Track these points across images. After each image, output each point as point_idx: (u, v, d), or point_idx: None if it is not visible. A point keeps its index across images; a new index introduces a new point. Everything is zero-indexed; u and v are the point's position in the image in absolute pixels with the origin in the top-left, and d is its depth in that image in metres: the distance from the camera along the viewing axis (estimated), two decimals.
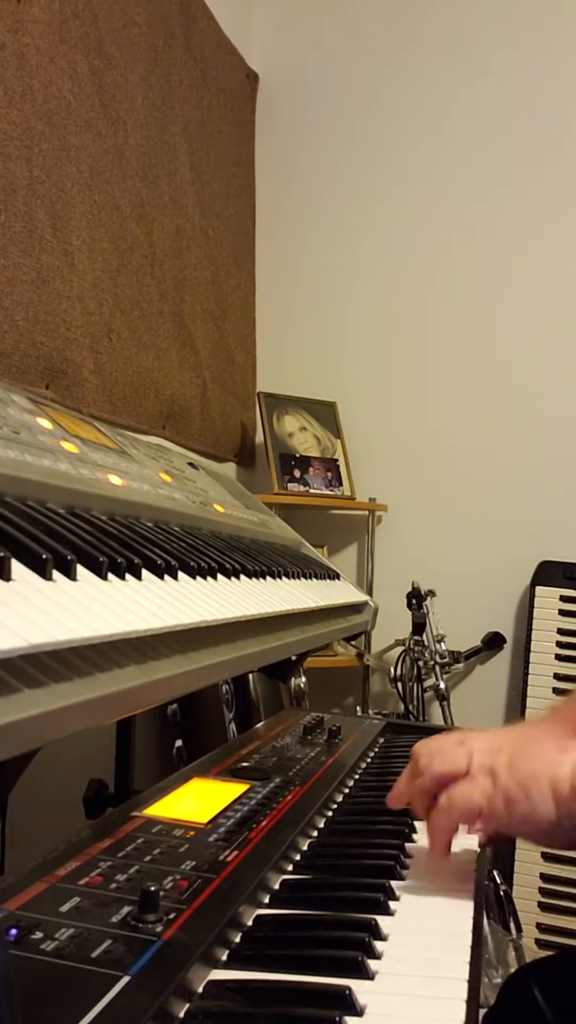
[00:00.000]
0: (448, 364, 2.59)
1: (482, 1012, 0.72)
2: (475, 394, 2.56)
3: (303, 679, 1.39)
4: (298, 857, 0.68)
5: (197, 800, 0.73)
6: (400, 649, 2.36)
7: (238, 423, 2.58)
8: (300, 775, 0.84)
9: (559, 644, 2.30)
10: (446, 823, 0.63)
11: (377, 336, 2.66)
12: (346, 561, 2.65)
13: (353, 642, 2.07)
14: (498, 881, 1.84)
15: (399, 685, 2.33)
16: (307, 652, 1.21)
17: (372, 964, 0.50)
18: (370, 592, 2.52)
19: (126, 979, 0.43)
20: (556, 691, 2.26)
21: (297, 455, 2.52)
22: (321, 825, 0.76)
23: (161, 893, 0.51)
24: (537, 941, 2.08)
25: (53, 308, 1.59)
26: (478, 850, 0.72)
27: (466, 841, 0.73)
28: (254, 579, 0.94)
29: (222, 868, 0.58)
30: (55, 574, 0.56)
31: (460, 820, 0.63)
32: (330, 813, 0.79)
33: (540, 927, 2.11)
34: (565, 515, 2.44)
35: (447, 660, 2.29)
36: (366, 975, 0.49)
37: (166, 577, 0.72)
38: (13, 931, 0.47)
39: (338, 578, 1.42)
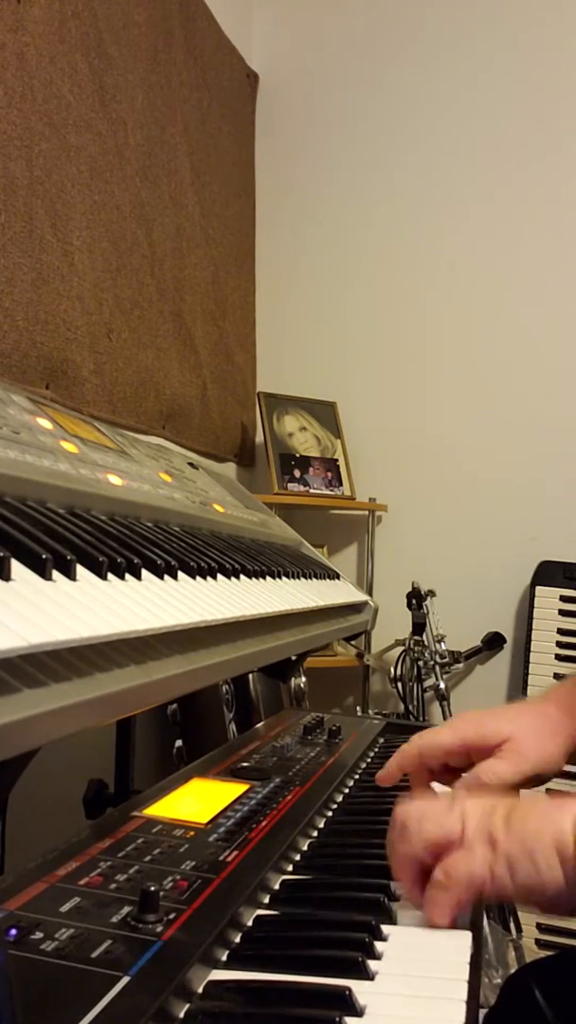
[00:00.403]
0: (448, 364, 2.59)
1: (482, 1012, 0.72)
2: (475, 394, 2.56)
3: (303, 679, 1.39)
4: (298, 857, 0.68)
5: (197, 800, 0.73)
6: (400, 649, 2.36)
7: (238, 423, 2.58)
8: (300, 775, 0.84)
9: (559, 644, 2.30)
10: (445, 899, 0.56)
11: (377, 336, 2.66)
12: (346, 561, 2.65)
13: (353, 642, 2.07)
14: None
15: (399, 685, 2.33)
16: (307, 652, 1.21)
17: (372, 964, 0.50)
18: (370, 592, 2.52)
19: (126, 979, 0.43)
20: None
21: (297, 455, 2.52)
22: (321, 825, 0.76)
23: (161, 893, 0.51)
24: (537, 941, 2.08)
25: (53, 308, 1.59)
26: None
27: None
28: (254, 579, 0.94)
29: (222, 868, 0.58)
30: (55, 574, 0.56)
31: (461, 895, 0.56)
32: (330, 813, 0.79)
33: (540, 927, 2.11)
34: (565, 515, 2.44)
35: (447, 660, 2.29)
36: (366, 975, 0.49)
37: (166, 577, 0.71)
38: (13, 931, 0.46)
39: (338, 578, 1.42)
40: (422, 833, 0.58)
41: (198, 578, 0.78)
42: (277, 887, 0.61)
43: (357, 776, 0.92)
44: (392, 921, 0.57)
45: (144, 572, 0.68)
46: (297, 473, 2.49)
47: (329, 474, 2.54)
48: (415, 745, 0.76)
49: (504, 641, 2.48)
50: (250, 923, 0.55)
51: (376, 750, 1.05)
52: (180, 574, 0.75)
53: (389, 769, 0.77)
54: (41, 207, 1.56)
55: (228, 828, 0.66)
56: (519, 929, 1.84)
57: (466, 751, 0.75)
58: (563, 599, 2.33)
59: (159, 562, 0.71)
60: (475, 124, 2.57)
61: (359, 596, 1.41)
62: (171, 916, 0.50)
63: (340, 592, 1.31)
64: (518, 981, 0.78)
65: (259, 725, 1.11)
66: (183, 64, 2.21)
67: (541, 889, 0.54)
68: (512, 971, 0.83)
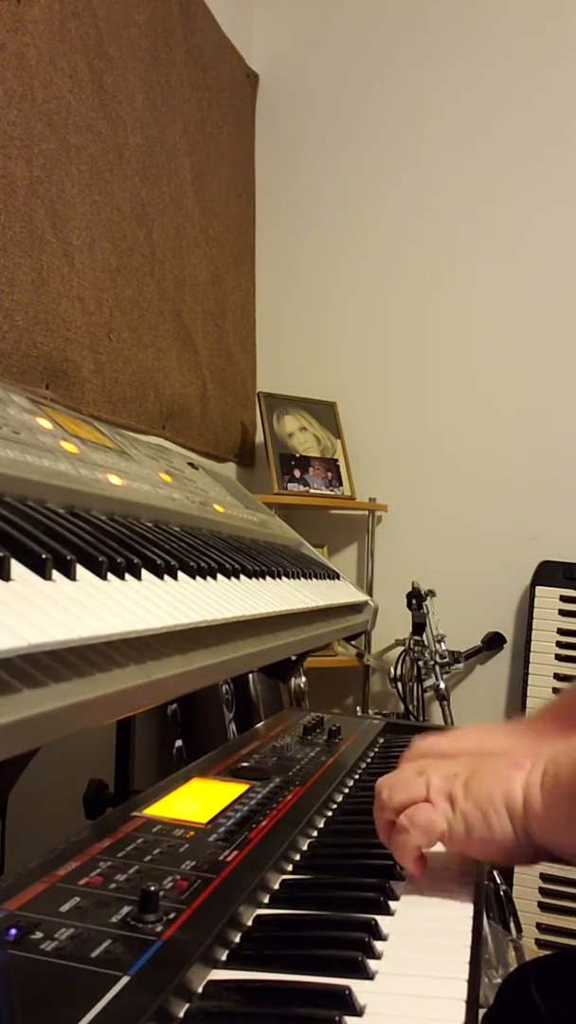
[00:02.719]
0: (448, 364, 2.59)
1: (482, 1012, 0.72)
2: (475, 394, 2.56)
3: (303, 679, 1.39)
4: (298, 857, 0.68)
5: (197, 800, 0.73)
6: (400, 649, 2.36)
7: (238, 423, 2.58)
8: (300, 775, 0.84)
9: (559, 644, 2.30)
10: (406, 841, 0.63)
11: (377, 336, 2.66)
12: (346, 561, 2.65)
13: (353, 642, 2.07)
14: (498, 881, 1.85)
15: (399, 685, 2.33)
16: (307, 652, 1.21)
17: (372, 964, 0.50)
18: (370, 592, 2.52)
19: (126, 979, 0.43)
20: (556, 691, 2.26)
21: (297, 455, 2.52)
22: (321, 825, 0.76)
23: (161, 893, 0.51)
24: (537, 941, 2.08)
25: (53, 308, 1.59)
26: None
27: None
28: (254, 579, 0.94)
29: (222, 868, 0.58)
30: (55, 574, 0.56)
31: (421, 840, 0.62)
32: (330, 813, 0.79)
33: (540, 927, 2.11)
34: (565, 515, 2.44)
35: (447, 660, 2.29)
36: (366, 975, 0.49)
37: (166, 577, 0.72)
38: (13, 931, 0.47)
39: (338, 578, 1.42)
40: (392, 799, 0.65)
41: (198, 578, 0.78)
42: (277, 887, 0.61)
43: (357, 776, 0.92)
44: (392, 920, 0.57)
45: (144, 572, 0.68)
46: (297, 473, 2.49)
47: (329, 474, 2.54)
48: (418, 749, 0.77)
49: (504, 641, 2.48)
50: (250, 923, 0.55)
51: (376, 750, 1.05)
52: (180, 574, 0.75)
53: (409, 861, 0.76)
54: (41, 207, 1.56)
55: (228, 828, 0.67)
56: (519, 929, 1.84)
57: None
58: (563, 599, 2.33)
59: (159, 562, 0.71)
60: (475, 123, 2.58)
61: (359, 596, 1.41)
62: (171, 916, 0.50)
63: (340, 592, 1.31)
64: (517, 980, 0.78)
65: (259, 725, 1.11)
66: (183, 64, 2.21)
67: (494, 843, 0.61)
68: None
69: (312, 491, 2.48)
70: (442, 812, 0.62)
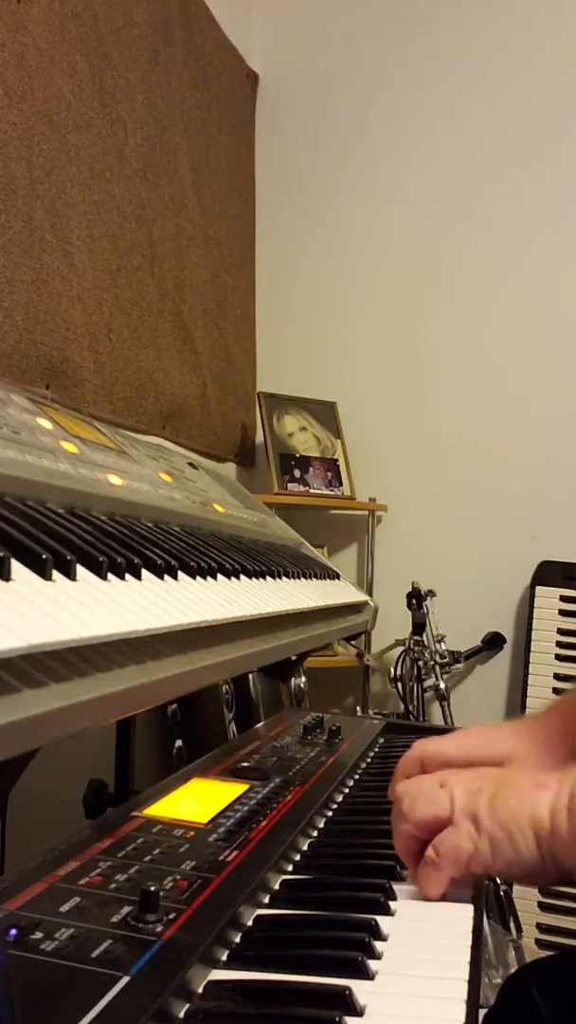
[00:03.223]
0: (448, 364, 2.59)
1: (482, 1012, 0.72)
2: (475, 394, 2.56)
3: (303, 679, 1.39)
4: (298, 857, 0.68)
5: (197, 800, 0.73)
6: (400, 649, 2.36)
7: (238, 423, 2.58)
8: (300, 775, 0.84)
9: (559, 644, 2.30)
10: (436, 876, 0.62)
11: (377, 336, 2.66)
12: (346, 561, 2.65)
13: (353, 642, 2.07)
14: (498, 881, 1.85)
15: (399, 685, 2.33)
16: (307, 652, 1.21)
17: (372, 964, 0.50)
18: (370, 592, 2.52)
19: (126, 979, 0.43)
20: (556, 691, 2.26)
21: (297, 455, 2.52)
22: (321, 825, 0.76)
23: (161, 893, 0.51)
24: (537, 941, 2.08)
25: (53, 308, 1.59)
26: None
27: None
28: (254, 579, 0.94)
29: (222, 868, 0.58)
30: (55, 574, 0.56)
31: (452, 872, 0.61)
32: (330, 813, 0.79)
33: (540, 927, 2.11)
34: (565, 515, 2.44)
35: (447, 660, 2.29)
36: (366, 975, 0.49)
37: (166, 577, 0.71)
38: (13, 931, 0.46)
39: (338, 578, 1.42)
40: (415, 813, 0.64)
41: (198, 578, 0.78)
42: (277, 887, 0.61)
43: (357, 776, 0.92)
44: (392, 921, 0.57)
45: (144, 572, 0.68)
46: (297, 473, 2.49)
47: (329, 474, 2.54)
48: (418, 751, 0.76)
49: (504, 641, 2.48)
50: (250, 923, 0.55)
51: (376, 750, 1.05)
52: (180, 574, 0.75)
53: (396, 778, 0.77)
54: (41, 207, 1.56)
55: (228, 828, 0.66)
56: (519, 929, 1.84)
57: (468, 764, 0.75)
58: (563, 599, 2.33)
59: (159, 562, 0.71)
60: (475, 123, 2.57)
61: (359, 596, 1.41)
62: (171, 916, 0.50)
63: (340, 592, 1.31)
64: (518, 981, 0.78)
65: (259, 725, 1.11)
66: (183, 64, 2.21)
67: (520, 864, 0.60)
68: (512, 971, 0.83)
69: (312, 491, 2.48)
70: (467, 834, 0.61)
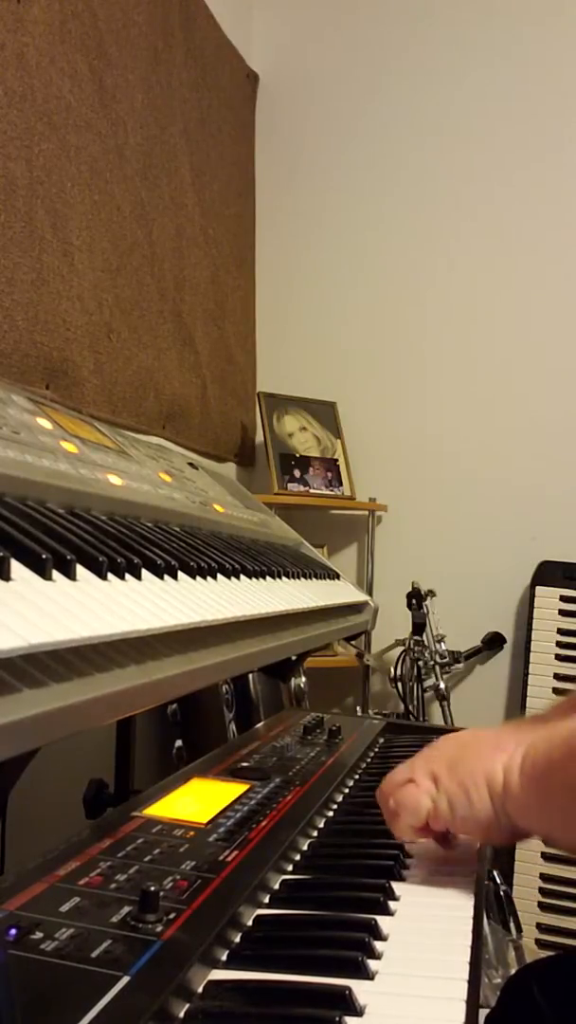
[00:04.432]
0: (448, 364, 2.59)
1: (482, 1012, 0.72)
2: (475, 394, 2.56)
3: (303, 679, 1.39)
4: (298, 857, 0.68)
5: (197, 800, 0.73)
6: (400, 649, 2.36)
7: (238, 423, 2.58)
8: (300, 775, 0.84)
9: (559, 644, 2.30)
10: (397, 824, 0.67)
11: (377, 336, 2.66)
12: (346, 561, 2.65)
13: (353, 642, 2.07)
14: (498, 881, 1.84)
15: (399, 685, 2.33)
16: (307, 652, 1.21)
17: (372, 964, 0.50)
18: (370, 592, 2.52)
19: (126, 979, 0.43)
20: (556, 691, 2.26)
21: (297, 455, 2.52)
22: (321, 825, 0.76)
23: (161, 893, 0.51)
24: (537, 941, 2.08)
25: (53, 308, 1.59)
26: (477, 850, 0.72)
27: (464, 838, 0.74)
28: (254, 579, 0.94)
29: (222, 868, 0.58)
30: (55, 574, 0.56)
31: (410, 819, 0.66)
32: (330, 813, 0.79)
33: (540, 927, 2.11)
34: (565, 515, 2.44)
35: (447, 660, 2.29)
36: (366, 975, 0.49)
37: (166, 577, 0.71)
38: (13, 931, 0.46)
39: (338, 578, 1.42)
40: (384, 788, 0.70)
41: (198, 578, 0.78)
42: (277, 887, 0.61)
43: (357, 776, 0.92)
44: (392, 921, 0.57)
45: (144, 572, 0.68)
46: (297, 473, 2.49)
47: (329, 474, 2.54)
48: (381, 799, 0.76)
49: (504, 641, 2.48)
50: (250, 923, 0.55)
51: (376, 750, 1.05)
52: (180, 574, 0.75)
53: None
54: (41, 207, 1.56)
55: (228, 828, 0.66)
56: (519, 929, 1.84)
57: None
58: (563, 599, 2.33)
59: (159, 562, 0.71)
60: (475, 123, 2.57)
61: (359, 596, 1.41)
62: (171, 916, 0.50)
63: (340, 592, 1.31)
64: (518, 981, 0.78)
65: (259, 725, 1.11)
66: (183, 64, 2.21)
67: (475, 820, 0.64)
68: (512, 971, 0.83)
69: (312, 491, 2.48)
70: (426, 791, 0.66)
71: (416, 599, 2.32)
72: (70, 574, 0.57)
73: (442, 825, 0.66)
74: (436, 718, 2.35)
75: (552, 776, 0.61)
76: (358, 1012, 0.45)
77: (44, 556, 0.55)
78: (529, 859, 2.15)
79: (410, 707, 2.31)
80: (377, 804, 0.80)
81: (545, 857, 2.14)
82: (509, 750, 0.64)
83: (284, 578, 1.06)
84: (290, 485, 2.45)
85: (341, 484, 2.55)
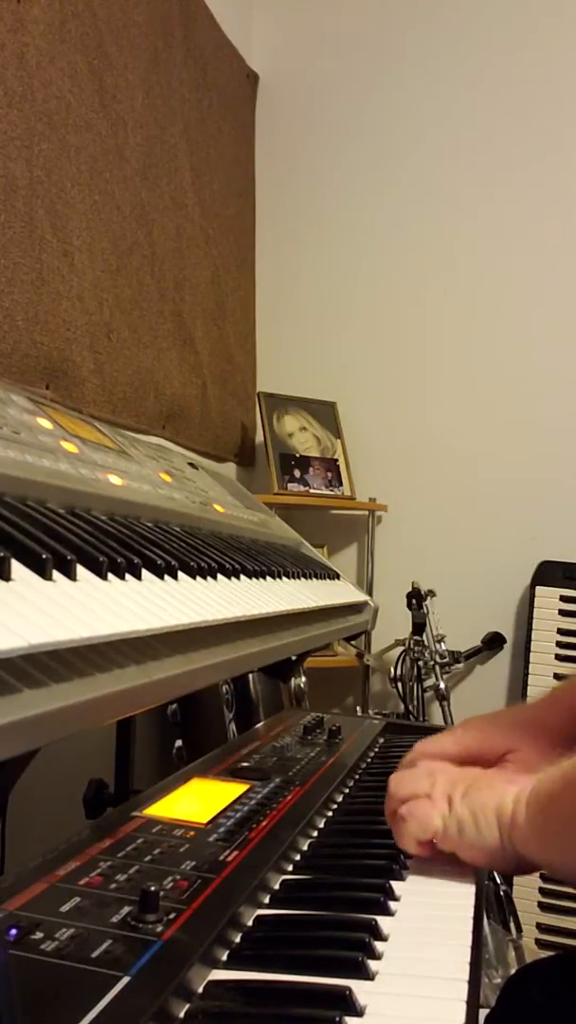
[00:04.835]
0: (448, 364, 2.59)
1: (482, 1012, 0.72)
2: (475, 394, 2.56)
3: (303, 679, 1.39)
4: (298, 857, 0.68)
5: (197, 800, 0.73)
6: (400, 649, 2.36)
7: (238, 423, 2.58)
8: (300, 775, 0.84)
9: (559, 644, 2.30)
10: (404, 829, 0.68)
11: (377, 336, 2.66)
12: (346, 561, 2.65)
13: (353, 642, 2.07)
14: (498, 881, 1.85)
15: (399, 685, 2.33)
16: (307, 652, 1.21)
17: (372, 964, 0.50)
18: (370, 592, 2.52)
19: (126, 979, 0.43)
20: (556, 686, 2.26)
21: (297, 455, 2.52)
22: (321, 825, 0.76)
23: (161, 893, 0.51)
24: (537, 941, 2.08)
25: (53, 308, 1.59)
26: None
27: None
28: (254, 579, 0.94)
29: (222, 868, 0.58)
30: (55, 574, 0.56)
31: (416, 831, 0.67)
32: (330, 813, 0.79)
33: (540, 927, 2.11)
34: (565, 515, 2.44)
35: (447, 660, 2.29)
36: (366, 975, 0.49)
37: (166, 577, 0.71)
38: (13, 931, 0.46)
39: (338, 578, 1.42)
40: (398, 791, 0.71)
41: (198, 578, 0.78)
42: (277, 887, 0.61)
43: (357, 776, 0.92)
44: (392, 921, 0.57)
45: (144, 572, 0.68)
46: (297, 473, 2.49)
47: (329, 474, 2.54)
48: (418, 752, 0.77)
49: (504, 641, 2.48)
50: (250, 923, 0.55)
51: (376, 750, 1.05)
52: (180, 574, 0.75)
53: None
54: (41, 207, 1.56)
55: (228, 828, 0.66)
56: (519, 929, 1.84)
57: (470, 761, 0.76)
58: (563, 599, 2.33)
59: (159, 562, 0.71)
60: (476, 124, 2.57)
61: (359, 596, 1.41)
62: (171, 916, 0.50)
63: (340, 592, 1.31)
64: (518, 981, 0.78)
65: (259, 725, 1.11)
66: (183, 64, 2.21)
67: (483, 848, 0.66)
68: (512, 971, 0.83)
69: (312, 491, 2.48)
70: (439, 811, 0.67)
71: (416, 599, 2.32)
72: (70, 574, 0.57)
73: (449, 847, 0.67)
74: (436, 718, 2.35)
75: (552, 808, 0.63)
76: (358, 1012, 0.45)
77: (44, 556, 0.55)
78: None
79: (410, 707, 2.31)
80: (377, 805, 0.80)
81: None
82: (520, 784, 0.67)
83: (284, 578, 1.06)
84: (290, 485, 2.45)
85: (341, 484, 2.55)
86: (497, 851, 0.65)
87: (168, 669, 0.62)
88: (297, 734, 1.02)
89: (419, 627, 2.30)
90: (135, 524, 0.84)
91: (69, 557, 0.58)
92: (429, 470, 2.59)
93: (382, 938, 0.54)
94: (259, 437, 2.65)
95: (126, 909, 0.50)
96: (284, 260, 2.75)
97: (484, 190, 2.56)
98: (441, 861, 0.69)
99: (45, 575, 0.55)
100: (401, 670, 2.33)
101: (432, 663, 2.27)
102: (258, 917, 0.56)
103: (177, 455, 1.38)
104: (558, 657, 2.29)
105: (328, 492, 2.51)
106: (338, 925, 0.56)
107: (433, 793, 0.69)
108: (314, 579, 1.22)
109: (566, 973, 0.77)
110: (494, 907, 1.79)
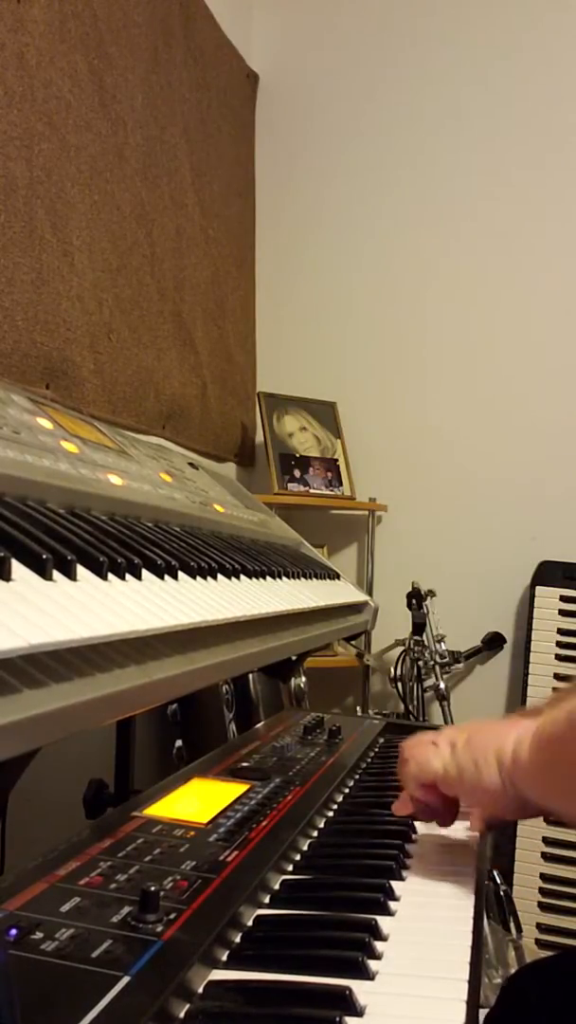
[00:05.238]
0: (448, 364, 2.59)
1: (482, 1012, 0.72)
2: (475, 394, 2.56)
3: (303, 679, 1.39)
4: (298, 857, 0.68)
5: (197, 800, 0.73)
6: (400, 649, 2.36)
7: (238, 423, 2.58)
8: (300, 775, 0.84)
9: (559, 644, 2.30)
10: (406, 771, 0.72)
11: (377, 336, 2.66)
12: (346, 561, 2.65)
13: (353, 642, 2.07)
14: (498, 881, 1.85)
15: (399, 685, 2.33)
16: (307, 652, 1.21)
17: (372, 964, 0.50)
18: (370, 592, 2.52)
19: (126, 979, 0.43)
20: (556, 691, 2.26)
21: (297, 455, 2.52)
22: (321, 825, 0.76)
23: (161, 893, 0.51)
24: (537, 941, 2.08)
25: (53, 308, 1.59)
26: (477, 850, 0.72)
27: (465, 835, 0.75)
28: (254, 579, 0.94)
29: (222, 868, 0.58)
30: (55, 574, 0.56)
31: (418, 773, 0.72)
32: (330, 813, 0.79)
33: (540, 927, 2.11)
34: (565, 515, 2.44)
35: (447, 660, 2.29)
36: (366, 975, 0.49)
37: (166, 577, 0.71)
38: (13, 931, 0.46)
39: (338, 578, 1.42)
40: (405, 748, 0.76)
41: (198, 578, 0.78)
42: (277, 887, 0.61)
43: (357, 776, 0.92)
44: (392, 921, 0.57)
45: (144, 572, 0.68)
46: (297, 473, 2.49)
47: (329, 474, 2.54)
48: (429, 734, 0.79)
49: (504, 641, 2.48)
50: (250, 923, 0.55)
51: (376, 750, 1.05)
52: (180, 574, 0.75)
53: (403, 796, 0.78)
54: (41, 207, 1.56)
55: (228, 828, 0.66)
56: (519, 929, 1.84)
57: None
58: (563, 599, 2.33)
59: (159, 562, 0.71)
60: (475, 124, 2.57)
61: (359, 596, 1.41)
62: (171, 916, 0.50)
63: (340, 592, 1.31)
64: (518, 981, 0.78)
65: (259, 725, 1.11)
66: (183, 64, 2.21)
67: (483, 790, 0.68)
68: (512, 971, 0.83)
69: (312, 491, 2.48)
70: (440, 756, 0.71)
71: (416, 599, 2.32)
72: (70, 574, 0.58)
73: (450, 790, 0.70)
74: (436, 718, 2.35)
75: (555, 748, 0.63)
76: (358, 1012, 0.45)
77: (45, 556, 0.55)
78: (529, 859, 2.15)
79: (410, 707, 2.31)
80: (378, 804, 0.80)
81: (545, 857, 2.14)
82: (522, 726, 0.68)
83: (284, 578, 1.06)
84: (290, 485, 2.45)
85: (341, 484, 2.55)
86: (499, 793, 0.67)
87: (168, 669, 0.62)
88: (297, 734, 1.02)
89: (419, 627, 2.30)
90: (135, 524, 0.84)
91: (69, 557, 0.58)
92: (429, 470, 2.59)
93: (382, 938, 0.54)
94: (259, 437, 2.65)
95: (126, 909, 0.50)
96: (284, 260, 2.75)
97: (484, 190, 2.56)
98: (441, 861, 0.69)
99: (45, 575, 0.55)
100: (401, 670, 2.33)
101: (432, 663, 2.27)
102: (258, 917, 0.56)
103: (177, 455, 1.38)
104: (558, 657, 2.29)
105: (328, 492, 2.51)
106: (338, 925, 0.56)
107: (437, 739, 0.72)
108: (314, 579, 1.22)
109: (565, 973, 0.77)
110: (494, 907, 1.79)
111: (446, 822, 0.76)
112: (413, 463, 2.61)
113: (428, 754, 0.71)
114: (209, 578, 0.81)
